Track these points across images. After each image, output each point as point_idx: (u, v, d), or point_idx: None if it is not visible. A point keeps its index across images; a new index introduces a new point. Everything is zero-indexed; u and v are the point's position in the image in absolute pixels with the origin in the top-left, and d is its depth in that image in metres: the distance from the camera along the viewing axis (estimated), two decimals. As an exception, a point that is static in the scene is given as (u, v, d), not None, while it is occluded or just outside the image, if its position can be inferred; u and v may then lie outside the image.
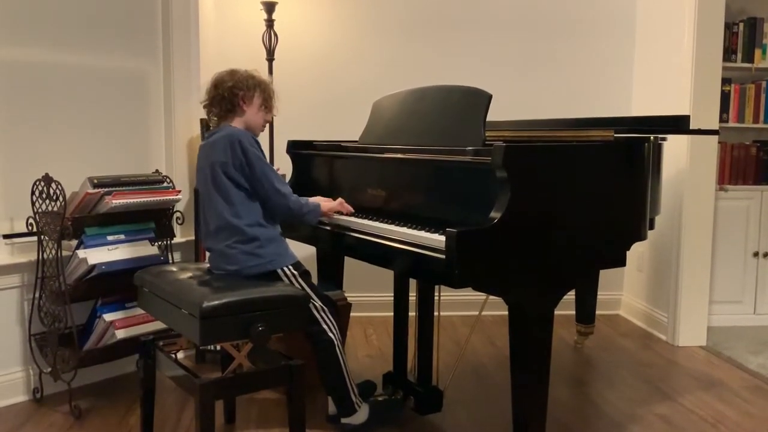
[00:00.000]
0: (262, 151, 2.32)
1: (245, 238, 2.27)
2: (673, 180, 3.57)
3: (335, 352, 2.35)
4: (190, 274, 2.29)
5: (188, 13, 3.31)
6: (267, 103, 2.45)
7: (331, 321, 2.36)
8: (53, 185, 2.59)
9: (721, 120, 3.67)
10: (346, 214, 2.49)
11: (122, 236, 2.78)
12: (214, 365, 3.02)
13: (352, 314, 3.06)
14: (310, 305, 2.30)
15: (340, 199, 2.52)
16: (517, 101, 3.90)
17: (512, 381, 2.07)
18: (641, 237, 2.34)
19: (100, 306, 2.75)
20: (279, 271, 2.30)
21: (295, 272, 2.33)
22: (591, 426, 2.63)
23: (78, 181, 2.75)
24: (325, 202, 2.48)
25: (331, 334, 2.35)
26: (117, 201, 2.70)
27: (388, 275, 2.67)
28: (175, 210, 3.03)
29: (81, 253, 2.64)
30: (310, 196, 2.51)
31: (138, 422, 2.42)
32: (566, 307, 2.89)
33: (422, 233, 2.09)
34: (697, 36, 3.46)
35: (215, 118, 2.41)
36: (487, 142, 2.15)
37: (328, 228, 2.51)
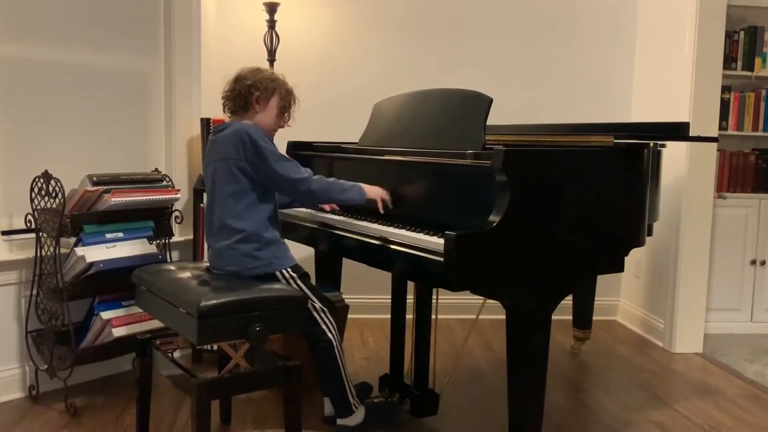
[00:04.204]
0: (273, 143, 2.29)
1: (245, 239, 2.26)
2: (672, 187, 3.58)
3: (334, 353, 2.35)
4: (188, 274, 2.28)
5: (190, 13, 3.31)
6: (284, 110, 2.40)
7: (330, 322, 2.36)
8: (52, 182, 2.59)
9: (721, 128, 3.68)
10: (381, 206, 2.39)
11: (121, 234, 2.78)
12: (211, 365, 3.01)
13: (349, 316, 3.06)
14: (309, 306, 2.30)
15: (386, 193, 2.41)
16: (518, 106, 3.91)
17: (509, 385, 2.07)
18: (639, 243, 2.34)
19: (98, 304, 2.75)
20: (278, 273, 2.30)
21: (294, 275, 2.32)
22: (587, 431, 2.63)
23: (77, 179, 2.75)
24: (368, 186, 2.39)
25: (330, 335, 2.35)
26: (116, 199, 2.70)
27: (386, 277, 2.67)
28: (174, 209, 3.03)
29: (79, 250, 2.64)
30: None
31: (134, 421, 2.42)
32: (563, 312, 2.89)
33: (421, 236, 2.09)
34: (697, 43, 3.47)
35: (229, 113, 2.40)
36: (486, 146, 2.15)
37: (327, 229, 2.51)
